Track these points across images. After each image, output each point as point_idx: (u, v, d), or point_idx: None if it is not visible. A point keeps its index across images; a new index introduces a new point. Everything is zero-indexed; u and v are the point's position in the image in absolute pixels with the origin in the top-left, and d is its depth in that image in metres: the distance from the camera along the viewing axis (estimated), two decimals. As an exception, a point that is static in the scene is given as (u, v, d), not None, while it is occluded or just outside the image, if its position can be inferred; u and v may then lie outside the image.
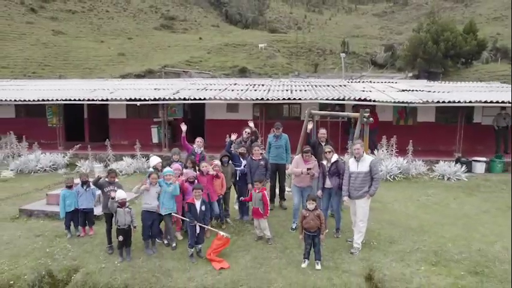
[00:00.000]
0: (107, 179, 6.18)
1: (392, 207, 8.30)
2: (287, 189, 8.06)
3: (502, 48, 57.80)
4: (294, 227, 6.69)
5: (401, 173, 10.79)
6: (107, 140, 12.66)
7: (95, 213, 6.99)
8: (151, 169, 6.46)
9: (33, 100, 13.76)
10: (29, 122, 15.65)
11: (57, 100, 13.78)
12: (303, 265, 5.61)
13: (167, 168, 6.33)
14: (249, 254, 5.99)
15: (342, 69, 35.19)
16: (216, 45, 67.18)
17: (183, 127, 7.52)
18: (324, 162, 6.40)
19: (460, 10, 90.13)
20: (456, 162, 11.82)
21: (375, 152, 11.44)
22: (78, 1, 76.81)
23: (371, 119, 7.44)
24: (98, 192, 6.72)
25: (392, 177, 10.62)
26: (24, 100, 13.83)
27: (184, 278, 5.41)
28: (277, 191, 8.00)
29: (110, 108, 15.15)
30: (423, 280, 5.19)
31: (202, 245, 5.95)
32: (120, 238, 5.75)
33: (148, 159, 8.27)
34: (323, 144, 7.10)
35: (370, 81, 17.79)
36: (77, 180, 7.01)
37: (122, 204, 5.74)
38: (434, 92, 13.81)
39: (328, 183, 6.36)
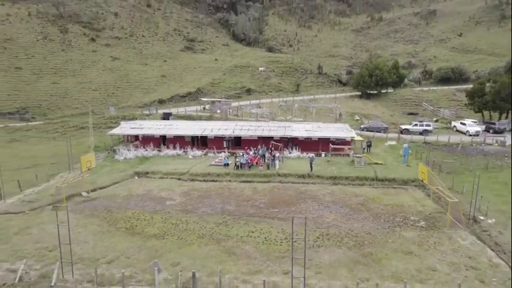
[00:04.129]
0: (237, 155, 39.40)
1: (290, 163, 41.45)
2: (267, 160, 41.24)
3: (429, 71, 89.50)
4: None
5: (298, 157, 44.15)
6: (208, 146, 46.00)
7: (228, 164, 40.17)
8: (240, 154, 39.55)
9: (183, 135, 47.01)
10: (178, 139, 48.64)
11: (193, 134, 46.96)
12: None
13: (244, 155, 39.51)
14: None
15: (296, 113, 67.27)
16: (228, 67, 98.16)
17: (246, 148, 40.95)
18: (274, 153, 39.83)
19: (413, 31, 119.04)
20: (316, 153, 45.08)
21: (293, 150, 44.58)
22: (121, 28, 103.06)
23: (282, 145, 40.91)
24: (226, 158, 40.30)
25: (295, 157, 43.83)
26: (180, 135, 47.03)
27: (248, 172, 38.52)
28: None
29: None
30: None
31: (250, 168, 39.23)
32: (237, 167, 39.04)
33: (236, 155, 41.70)
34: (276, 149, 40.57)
35: (302, 121, 50.70)
36: (222, 158, 40.31)
37: (240, 161, 38.96)
38: (316, 131, 46.71)
39: (273, 156, 39.62)
